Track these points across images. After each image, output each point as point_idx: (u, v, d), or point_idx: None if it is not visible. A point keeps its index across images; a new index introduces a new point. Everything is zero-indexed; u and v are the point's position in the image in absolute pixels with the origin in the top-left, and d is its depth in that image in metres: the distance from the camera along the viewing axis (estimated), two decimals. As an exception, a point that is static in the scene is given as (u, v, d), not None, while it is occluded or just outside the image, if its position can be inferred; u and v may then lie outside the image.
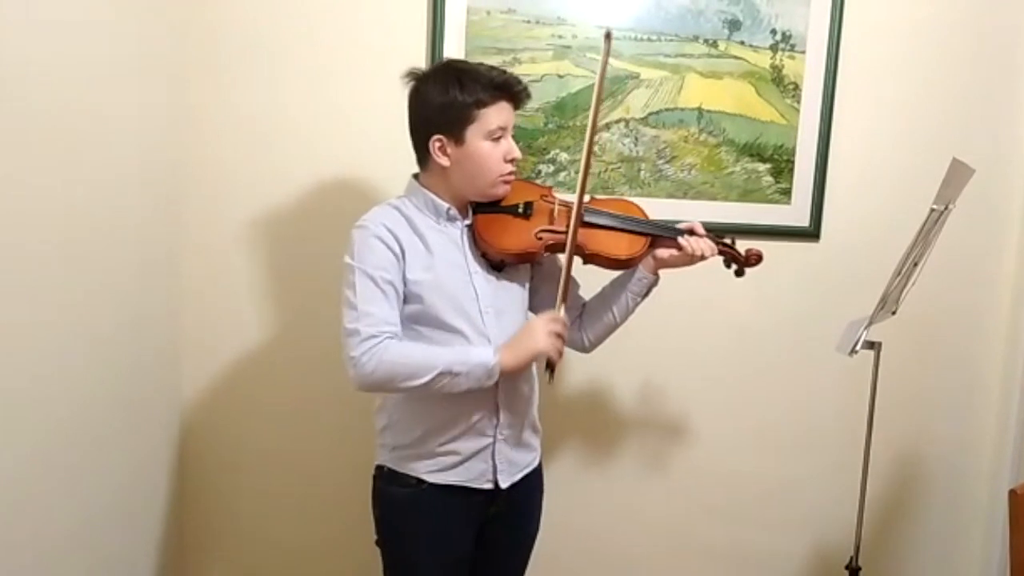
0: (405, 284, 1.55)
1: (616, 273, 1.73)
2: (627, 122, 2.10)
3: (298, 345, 2.08)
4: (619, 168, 2.12)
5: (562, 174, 2.10)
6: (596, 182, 2.11)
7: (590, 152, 1.61)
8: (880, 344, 1.81)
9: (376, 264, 1.52)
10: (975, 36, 2.14)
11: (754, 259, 1.74)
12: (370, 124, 2.00)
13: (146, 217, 1.84)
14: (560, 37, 2.05)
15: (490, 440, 1.62)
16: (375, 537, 1.68)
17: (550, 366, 1.59)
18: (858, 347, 1.76)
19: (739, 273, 1.75)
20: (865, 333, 1.76)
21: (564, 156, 2.10)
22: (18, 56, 1.31)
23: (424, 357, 1.49)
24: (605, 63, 1.59)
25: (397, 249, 1.54)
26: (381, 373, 1.47)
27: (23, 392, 1.38)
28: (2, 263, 1.30)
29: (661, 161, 2.12)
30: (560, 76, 2.06)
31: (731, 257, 1.74)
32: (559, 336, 1.57)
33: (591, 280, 1.77)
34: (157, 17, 1.82)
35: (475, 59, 1.98)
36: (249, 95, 2.00)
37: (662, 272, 1.71)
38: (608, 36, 1.58)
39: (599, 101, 1.59)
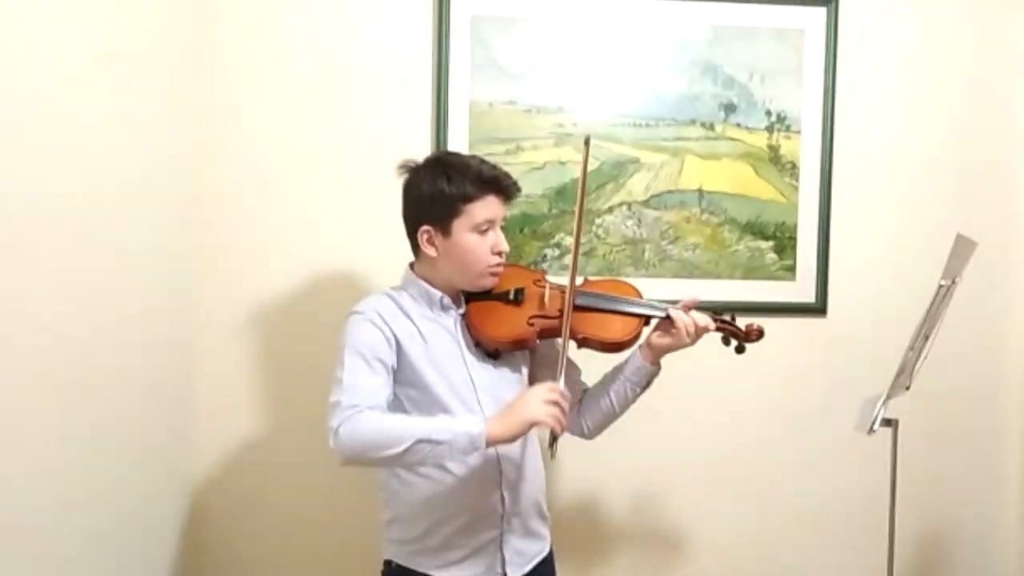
0: (403, 370, 1.54)
1: (616, 358, 1.70)
2: (629, 205, 2.13)
3: (308, 431, 2.03)
4: (624, 250, 2.14)
5: (567, 258, 2.10)
6: (601, 264, 2.12)
7: (578, 245, 1.63)
8: (897, 421, 1.79)
9: (366, 343, 1.51)
10: (969, 112, 2.20)
11: (755, 335, 1.69)
12: (377, 213, 2.01)
13: (159, 300, 1.84)
14: (561, 125, 2.09)
15: (497, 532, 1.58)
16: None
17: (553, 439, 1.53)
18: (876, 425, 1.73)
19: (740, 350, 1.69)
20: (883, 410, 1.74)
21: (569, 240, 2.11)
22: (23, 167, 1.33)
23: (402, 425, 1.45)
24: (586, 164, 1.63)
25: (390, 334, 1.54)
26: (357, 442, 1.41)
27: (32, 475, 1.35)
28: (14, 341, 1.29)
29: (665, 242, 2.14)
30: (562, 163, 2.10)
31: (730, 333, 1.69)
32: (556, 405, 1.47)
33: (592, 366, 1.74)
34: (165, 107, 1.85)
35: (479, 148, 2.02)
36: (259, 184, 2.03)
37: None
38: (587, 142, 1.62)
39: (583, 197, 1.61)
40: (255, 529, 2.07)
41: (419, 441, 1.41)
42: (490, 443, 1.45)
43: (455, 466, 1.55)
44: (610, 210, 2.13)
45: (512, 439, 1.48)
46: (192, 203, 1.98)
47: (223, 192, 2.02)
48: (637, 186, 2.13)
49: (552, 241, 2.11)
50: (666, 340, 1.63)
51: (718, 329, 1.67)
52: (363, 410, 1.44)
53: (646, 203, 2.13)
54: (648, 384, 1.68)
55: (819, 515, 2.20)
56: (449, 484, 1.54)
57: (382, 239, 1.99)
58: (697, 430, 2.16)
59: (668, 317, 1.63)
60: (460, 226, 1.56)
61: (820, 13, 2.13)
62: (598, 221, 2.12)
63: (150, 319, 1.79)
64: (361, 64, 2.05)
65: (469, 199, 1.55)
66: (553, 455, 1.53)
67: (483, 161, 1.61)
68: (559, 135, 2.09)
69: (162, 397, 1.88)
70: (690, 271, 2.15)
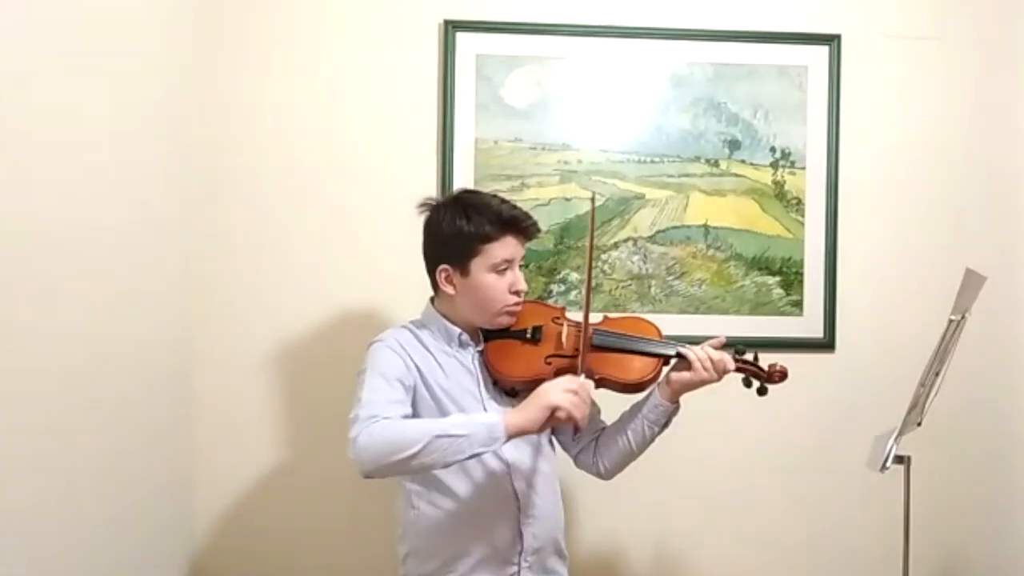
0: (422, 400, 1.54)
1: (634, 397, 1.68)
2: (635, 240, 2.13)
3: (313, 470, 2.04)
4: (630, 285, 2.13)
5: (573, 293, 2.11)
6: (607, 300, 2.12)
7: (589, 288, 1.64)
8: (909, 458, 1.76)
9: (388, 365, 1.53)
10: (972, 146, 2.20)
11: (778, 376, 1.65)
12: (381, 251, 2.03)
13: (160, 337, 1.84)
14: (566, 163, 2.10)
15: (514, 568, 1.56)
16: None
17: (576, 430, 1.52)
18: (888, 463, 1.71)
19: (762, 392, 1.66)
20: (894, 447, 1.71)
21: (574, 276, 2.11)
22: (26, 196, 1.34)
23: (418, 426, 1.45)
24: (593, 222, 1.68)
25: (411, 363, 1.55)
26: (375, 447, 1.38)
27: (31, 512, 1.33)
28: (15, 378, 1.28)
29: (671, 277, 2.14)
30: (567, 199, 2.11)
31: (752, 374, 1.65)
32: (577, 395, 1.45)
33: (609, 404, 1.73)
34: (168, 139, 1.87)
35: (484, 186, 2.03)
36: (262, 219, 2.04)
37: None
38: (593, 199, 1.67)
39: (591, 247, 1.66)
40: (260, 568, 2.04)
41: (437, 437, 1.38)
42: (510, 433, 1.42)
43: (473, 498, 1.54)
44: (616, 246, 2.12)
45: (533, 429, 1.45)
46: (194, 239, 1.99)
47: (225, 229, 2.03)
48: (642, 222, 2.13)
49: (558, 277, 2.11)
50: (684, 378, 1.60)
51: (738, 369, 1.64)
52: (380, 419, 1.42)
53: (652, 239, 2.13)
54: (667, 423, 1.65)
55: (832, 554, 2.15)
56: (466, 517, 1.53)
57: (388, 275, 2.01)
58: (706, 468, 2.13)
59: (683, 357, 1.60)
60: (478, 266, 1.57)
61: (823, 51, 2.14)
62: (604, 257, 2.12)
63: (149, 355, 1.78)
64: (367, 102, 2.07)
65: (488, 239, 1.56)
66: (574, 438, 1.57)
67: (503, 201, 1.62)
68: (564, 172, 2.10)
69: (162, 432, 1.87)
70: (696, 307, 2.14)
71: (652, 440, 1.66)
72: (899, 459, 1.75)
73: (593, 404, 1.69)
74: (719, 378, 1.61)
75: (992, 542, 2.20)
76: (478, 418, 1.46)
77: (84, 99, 1.47)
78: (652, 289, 2.13)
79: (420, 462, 1.39)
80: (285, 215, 2.05)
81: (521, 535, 1.57)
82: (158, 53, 1.80)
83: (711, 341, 1.64)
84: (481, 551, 1.54)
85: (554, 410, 1.43)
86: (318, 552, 2.05)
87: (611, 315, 1.74)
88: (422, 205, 1.64)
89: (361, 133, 2.07)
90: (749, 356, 1.67)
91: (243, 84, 2.04)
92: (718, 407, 1.97)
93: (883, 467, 1.72)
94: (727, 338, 1.67)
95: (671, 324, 2.06)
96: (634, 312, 2.10)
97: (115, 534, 1.63)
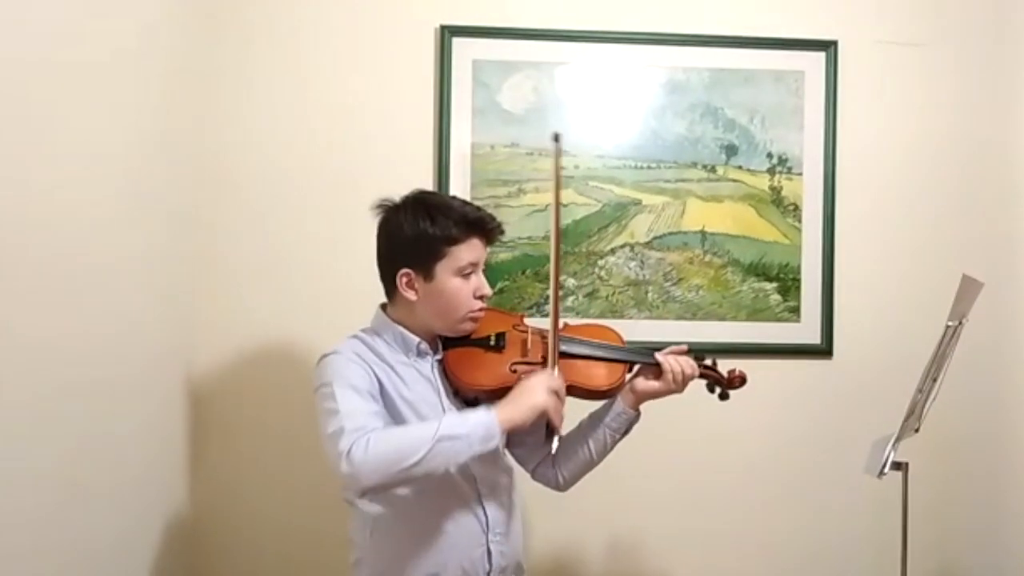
0: (388, 403, 1.47)
1: (594, 405, 1.64)
2: (632, 246, 2.13)
3: (314, 470, 2.02)
4: (627, 291, 2.12)
5: (570, 299, 2.10)
6: (604, 305, 2.11)
7: (557, 270, 1.54)
8: (907, 464, 1.76)
9: (355, 376, 1.44)
10: (970, 152, 2.20)
11: (738, 381, 1.65)
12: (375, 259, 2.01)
13: (158, 349, 1.83)
14: (562, 168, 2.09)
15: None
16: None
17: (551, 432, 1.47)
18: (887, 469, 1.70)
19: (723, 397, 1.66)
20: (893, 453, 1.71)
21: (572, 282, 2.11)
22: (28, 211, 1.33)
23: (415, 432, 1.38)
24: (559, 166, 1.54)
25: (371, 374, 1.48)
26: (374, 459, 1.32)
27: (31, 514, 1.32)
28: (15, 379, 1.27)
29: (668, 283, 2.13)
30: (564, 205, 2.10)
31: (713, 380, 1.66)
32: (557, 396, 1.44)
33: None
34: (164, 142, 1.86)
35: (481, 191, 2.03)
36: (258, 226, 2.04)
37: (659, 403, 1.62)
38: (557, 138, 1.52)
39: (558, 206, 1.52)
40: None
41: (440, 440, 1.34)
42: (503, 428, 1.40)
43: (442, 517, 1.48)
44: (613, 251, 2.12)
45: (522, 425, 1.43)
46: (193, 243, 1.99)
47: (222, 233, 2.03)
48: (639, 227, 2.12)
49: (554, 283, 2.11)
50: (653, 386, 1.59)
51: (702, 376, 1.63)
52: (370, 431, 1.36)
53: (648, 244, 2.13)
54: (628, 431, 1.63)
55: (829, 559, 2.14)
56: (436, 538, 1.47)
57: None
58: (704, 474, 2.12)
59: (656, 363, 1.59)
60: (443, 269, 1.49)
61: (819, 57, 2.15)
62: (601, 263, 2.12)
63: (144, 362, 1.77)
64: (363, 107, 2.07)
65: (453, 241, 1.49)
66: (552, 449, 1.51)
67: (465, 202, 1.58)
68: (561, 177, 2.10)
69: (156, 437, 1.85)
70: (694, 313, 2.13)
71: (612, 448, 1.62)
72: (897, 465, 1.75)
73: None
74: (683, 388, 1.60)
75: (990, 548, 2.19)
76: (471, 416, 1.39)
77: (85, 101, 1.46)
78: (649, 295, 2.13)
79: (424, 468, 1.34)
80: (282, 220, 2.04)
81: (490, 553, 1.50)
82: (158, 52, 1.79)
83: (673, 348, 1.63)
84: (450, 572, 1.48)
85: (542, 412, 1.42)
86: (316, 553, 2.03)
87: (571, 322, 1.69)
88: (378, 206, 1.55)
89: (358, 138, 2.06)
90: (708, 361, 1.67)
91: (241, 89, 2.04)
92: (715, 413, 1.96)
93: (881, 473, 1.71)
94: (724, 344, 1.67)
95: (668, 330, 2.07)
96: (631, 318, 2.09)
97: (115, 534, 1.62)
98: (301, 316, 2.04)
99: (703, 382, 1.65)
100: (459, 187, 2.04)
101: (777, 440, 2.14)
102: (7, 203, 1.24)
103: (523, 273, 2.08)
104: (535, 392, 1.43)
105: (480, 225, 1.52)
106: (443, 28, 2.06)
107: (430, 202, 1.54)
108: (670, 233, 2.13)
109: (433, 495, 1.47)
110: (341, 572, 1.99)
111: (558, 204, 1.53)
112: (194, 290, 2.00)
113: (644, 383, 1.60)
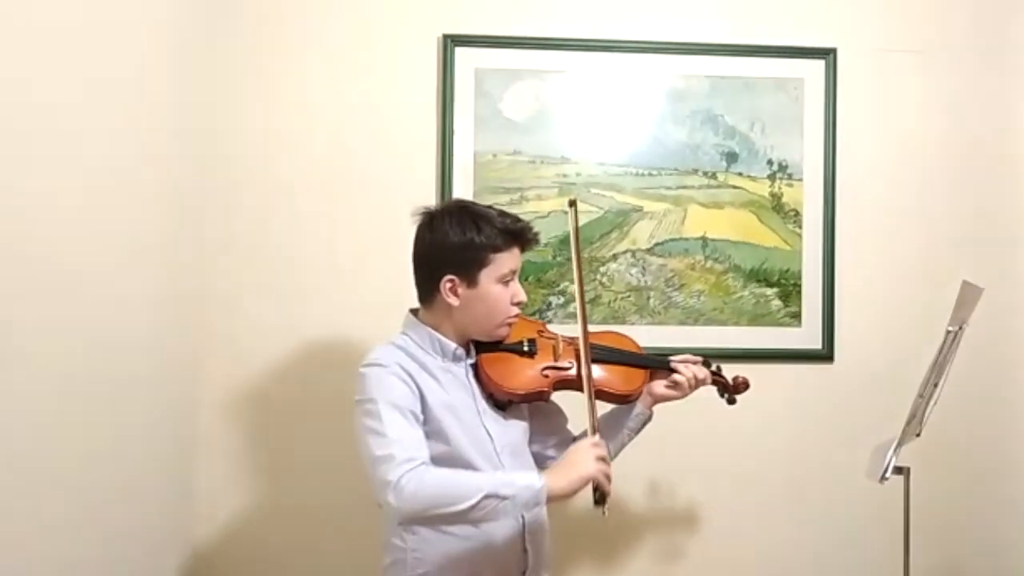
0: (428, 423, 1.50)
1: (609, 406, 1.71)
2: (634, 253, 2.14)
3: (312, 500, 2.04)
4: (629, 297, 2.14)
5: (572, 305, 2.11)
6: (606, 312, 2.12)
7: (583, 298, 1.63)
8: (909, 469, 1.76)
9: (399, 396, 1.48)
10: (970, 157, 2.21)
11: (742, 387, 1.75)
12: (381, 267, 2.02)
13: (160, 371, 1.84)
14: (564, 175, 2.11)
15: None
16: None
17: (602, 497, 1.48)
18: (888, 473, 1.71)
19: (731, 402, 1.76)
20: (894, 458, 1.72)
21: (574, 288, 2.11)
22: (32, 227, 1.34)
23: (468, 480, 1.42)
24: (576, 229, 1.64)
25: (415, 387, 1.51)
26: (423, 497, 1.38)
27: (30, 517, 1.32)
28: (14, 379, 1.28)
29: (670, 289, 2.15)
30: (566, 212, 2.09)
31: (722, 385, 1.75)
32: (605, 461, 1.48)
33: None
34: (167, 166, 1.87)
35: (483, 198, 2.04)
36: (264, 232, 2.05)
37: (660, 407, 1.71)
38: (573, 203, 1.65)
39: (579, 256, 1.65)
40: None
41: (487, 496, 1.38)
42: (551, 498, 1.43)
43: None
44: (614, 258, 2.13)
45: (570, 495, 1.46)
46: (200, 251, 2.00)
47: (228, 240, 2.04)
48: (641, 234, 2.14)
49: (557, 289, 2.12)
50: (669, 391, 1.69)
51: (713, 382, 1.73)
52: (420, 464, 1.40)
53: (650, 251, 2.14)
54: (640, 429, 1.72)
55: (830, 564, 2.15)
56: (474, 541, 1.50)
57: (391, 293, 1.99)
58: (705, 478, 2.13)
59: (672, 369, 1.68)
60: (486, 276, 1.55)
61: (819, 64, 2.16)
62: (602, 269, 2.13)
63: (148, 368, 1.78)
64: (367, 116, 2.08)
65: (497, 249, 1.55)
66: (604, 512, 1.47)
67: (503, 212, 1.62)
68: (563, 185, 2.11)
69: (161, 467, 1.86)
70: (695, 318, 2.14)
71: (623, 448, 1.72)
72: (899, 470, 1.76)
73: (561, 413, 1.73)
74: (693, 391, 1.69)
75: (992, 552, 2.20)
76: (520, 480, 1.43)
77: (86, 106, 1.47)
78: (651, 301, 2.14)
79: (465, 517, 1.40)
80: (286, 228, 2.05)
81: (527, 553, 1.55)
82: (164, 61, 1.80)
83: (686, 357, 1.71)
84: (488, 573, 1.52)
85: (591, 481, 1.45)
86: (323, 560, 2.04)
87: (591, 330, 1.69)
88: (419, 212, 1.61)
89: (361, 146, 2.07)
90: (714, 367, 1.75)
91: (245, 97, 2.05)
92: (717, 418, 1.97)
93: (883, 478, 1.72)
94: (725, 349, 1.71)
95: (670, 336, 2.09)
96: (633, 324, 2.11)
97: (115, 536, 1.63)
98: (306, 322, 2.05)
99: (713, 387, 1.74)
100: (462, 195, 2.05)
101: (778, 445, 2.15)
102: (9, 205, 1.24)
103: (526, 279, 2.09)
104: (584, 463, 1.46)
105: (521, 235, 1.60)
106: (446, 37, 2.08)
107: (474, 211, 1.60)
108: (671, 239, 2.15)
109: None
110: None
111: (579, 261, 1.64)
112: (199, 296, 2.01)
113: (660, 387, 1.69)
